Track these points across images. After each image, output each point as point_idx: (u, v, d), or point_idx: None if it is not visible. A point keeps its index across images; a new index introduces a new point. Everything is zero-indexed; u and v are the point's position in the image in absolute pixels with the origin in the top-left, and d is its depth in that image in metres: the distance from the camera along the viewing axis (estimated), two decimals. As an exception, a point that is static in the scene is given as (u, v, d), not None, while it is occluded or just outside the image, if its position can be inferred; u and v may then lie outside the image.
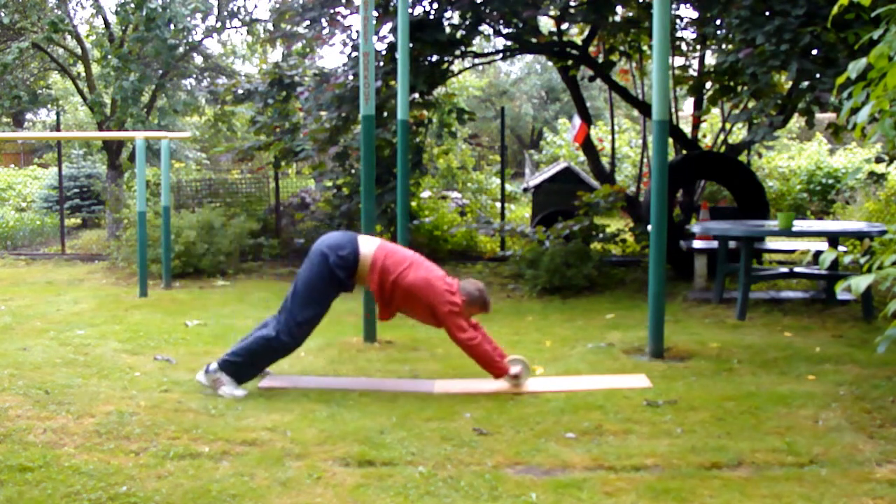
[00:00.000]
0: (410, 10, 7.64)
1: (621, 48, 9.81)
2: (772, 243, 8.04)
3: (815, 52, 6.57)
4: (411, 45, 7.32)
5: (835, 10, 3.34)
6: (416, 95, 8.62)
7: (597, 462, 3.35)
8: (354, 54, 8.54)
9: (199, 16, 12.97)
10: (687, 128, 10.18)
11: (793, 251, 8.35)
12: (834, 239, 6.74)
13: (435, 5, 8.52)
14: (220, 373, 4.35)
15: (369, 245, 4.50)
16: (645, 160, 10.47)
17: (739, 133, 12.24)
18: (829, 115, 9.31)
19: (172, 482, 3.15)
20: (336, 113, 8.45)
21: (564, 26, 9.62)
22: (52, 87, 16.76)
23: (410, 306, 4.48)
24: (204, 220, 9.27)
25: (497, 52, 10.12)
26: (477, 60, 10.28)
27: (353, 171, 9.06)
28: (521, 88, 25.36)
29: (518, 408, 4.10)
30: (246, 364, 4.40)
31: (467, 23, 8.50)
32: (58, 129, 12.01)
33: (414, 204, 10.51)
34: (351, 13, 8.89)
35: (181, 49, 12.42)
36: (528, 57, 23.23)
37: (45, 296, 7.71)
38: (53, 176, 14.73)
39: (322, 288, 4.43)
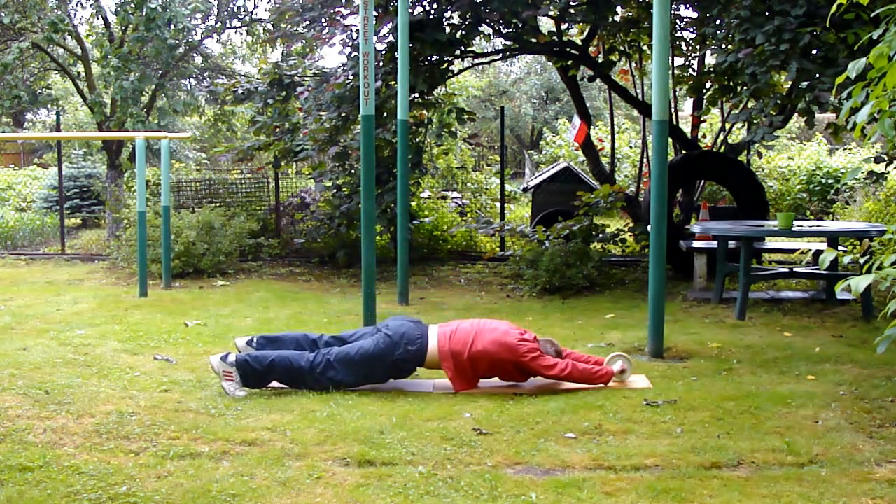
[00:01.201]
0: (410, 10, 7.64)
1: (621, 48, 9.82)
2: (772, 243, 8.05)
3: (814, 52, 6.57)
4: (411, 45, 7.33)
5: (833, 9, 3.34)
6: (416, 95, 8.62)
7: (597, 462, 3.35)
8: (354, 54, 8.54)
9: (199, 16, 12.98)
10: (687, 128, 10.18)
11: (793, 251, 8.36)
12: (833, 239, 6.75)
13: (435, 5, 8.53)
14: (234, 368, 4.34)
15: (434, 336, 4.47)
16: (645, 160, 10.47)
17: (739, 133, 12.24)
18: (829, 115, 9.32)
19: (172, 482, 3.15)
20: (336, 113, 8.45)
21: (564, 26, 9.62)
22: (52, 87, 16.76)
23: (495, 369, 4.47)
24: (204, 220, 9.28)
25: (497, 52, 10.12)
26: (477, 60, 10.28)
27: (353, 171, 9.06)
28: (521, 88, 25.37)
29: (518, 408, 4.10)
30: (261, 374, 4.37)
31: (467, 23, 8.50)
32: (58, 129, 12.01)
33: (414, 204, 10.51)
34: (351, 13, 8.90)
35: (181, 49, 12.42)
36: (528, 57, 23.23)
37: (45, 296, 7.71)
38: (53, 176, 14.74)
39: (374, 369, 4.41)
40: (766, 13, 6.73)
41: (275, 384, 4.51)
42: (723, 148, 9.56)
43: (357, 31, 8.27)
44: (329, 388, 4.38)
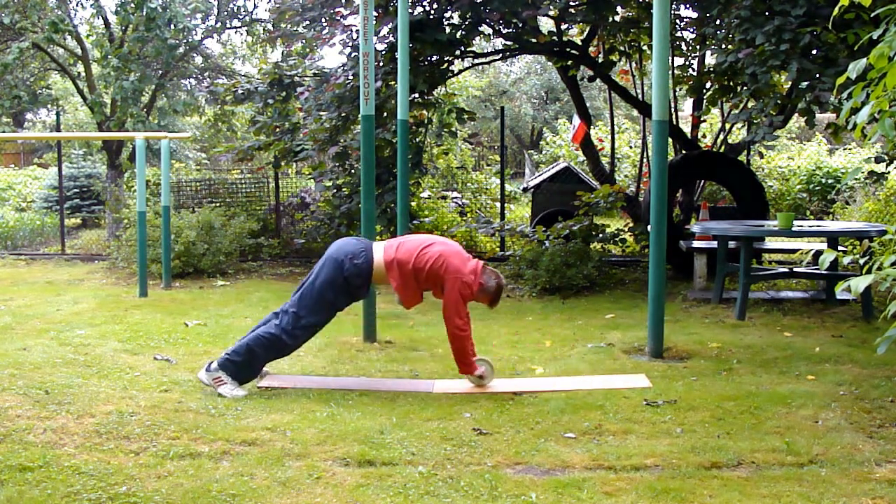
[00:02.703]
0: (410, 10, 7.64)
1: (621, 48, 9.82)
2: (772, 243, 8.04)
3: (814, 52, 6.57)
4: (411, 45, 7.32)
5: (836, 11, 3.34)
6: (416, 95, 8.62)
7: (597, 462, 3.35)
8: (354, 54, 8.54)
9: (199, 16, 12.98)
10: (687, 128, 10.18)
11: (793, 251, 8.36)
12: (833, 239, 6.74)
13: (435, 5, 8.53)
14: (220, 372, 4.36)
15: (379, 249, 4.51)
16: (645, 160, 10.47)
17: (739, 133, 12.24)
18: (829, 115, 9.31)
19: (172, 482, 3.15)
20: (336, 113, 8.45)
21: (564, 26, 9.62)
22: (52, 87, 16.76)
23: (431, 281, 4.48)
24: (204, 220, 9.28)
25: (497, 52, 10.12)
26: (477, 60, 10.28)
27: (353, 171, 9.06)
28: (521, 88, 25.37)
29: (518, 408, 4.10)
30: (245, 363, 4.41)
31: (467, 23, 8.50)
32: (58, 129, 12.01)
33: (414, 204, 10.51)
34: (351, 13, 8.90)
35: (181, 49, 12.42)
36: (528, 57, 23.22)
37: (45, 296, 7.71)
38: (53, 176, 14.74)
39: (332, 296, 4.44)
40: (767, 13, 6.73)
41: (276, 384, 4.52)
42: (723, 148, 9.55)
43: (357, 31, 8.26)
44: (309, 336, 4.48)
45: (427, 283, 4.46)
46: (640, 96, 10.17)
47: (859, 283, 2.91)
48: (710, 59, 9.23)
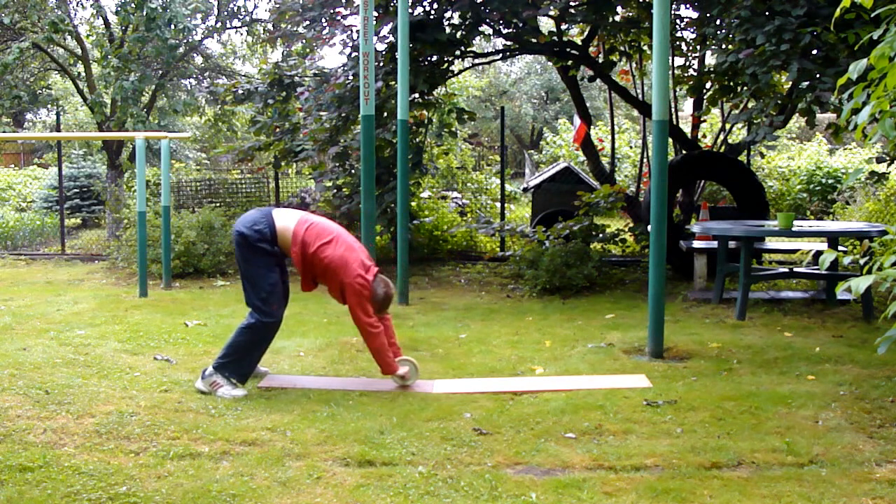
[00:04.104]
0: (410, 10, 7.64)
1: (621, 48, 9.82)
2: (772, 243, 8.04)
3: (815, 52, 6.57)
4: (411, 45, 7.33)
5: (837, 11, 3.34)
6: (416, 95, 8.62)
7: (597, 462, 3.35)
8: (354, 54, 8.54)
9: (199, 16, 12.99)
10: (687, 128, 10.18)
11: (793, 251, 8.36)
12: (834, 239, 6.74)
13: (435, 5, 8.53)
14: (215, 375, 4.36)
15: (288, 218, 4.50)
16: (645, 160, 10.47)
17: (739, 133, 12.24)
18: (830, 115, 9.32)
19: (172, 482, 3.15)
20: (336, 113, 8.45)
21: (564, 26, 9.62)
22: (52, 87, 16.78)
23: (326, 280, 4.49)
24: (204, 220, 9.28)
25: (497, 52, 10.12)
26: (477, 60, 10.28)
27: (353, 171, 9.06)
28: (521, 88, 25.38)
29: (518, 408, 4.10)
30: (238, 359, 4.41)
31: (467, 23, 8.50)
32: (58, 129, 12.01)
33: (414, 204, 10.51)
34: (351, 13, 8.91)
35: (181, 49, 12.43)
36: (528, 57, 23.23)
37: (45, 296, 7.70)
38: (53, 176, 14.75)
39: (258, 260, 4.44)
40: (767, 13, 6.73)
41: (276, 384, 4.52)
42: (723, 148, 9.55)
43: (357, 31, 8.27)
44: (277, 301, 4.49)
45: (321, 277, 4.48)
46: (640, 96, 10.17)
47: (860, 284, 2.90)
48: (710, 59, 9.23)
